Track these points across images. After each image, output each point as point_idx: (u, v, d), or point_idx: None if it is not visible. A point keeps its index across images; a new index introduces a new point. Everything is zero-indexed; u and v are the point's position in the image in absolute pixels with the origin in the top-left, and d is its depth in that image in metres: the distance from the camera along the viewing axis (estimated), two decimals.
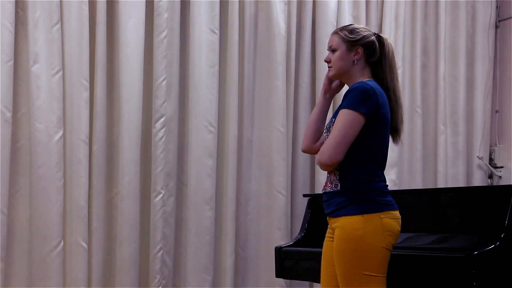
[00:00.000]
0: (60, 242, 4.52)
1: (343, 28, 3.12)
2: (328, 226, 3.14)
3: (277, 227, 4.96)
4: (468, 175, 5.57)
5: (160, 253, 4.74)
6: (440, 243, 3.57)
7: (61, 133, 4.56)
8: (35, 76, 4.52)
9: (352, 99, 2.91)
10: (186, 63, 4.98)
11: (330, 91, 3.28)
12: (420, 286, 3.37)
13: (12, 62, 4.52)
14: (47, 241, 4.48)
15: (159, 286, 4.73)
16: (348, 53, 3.04)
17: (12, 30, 4.53)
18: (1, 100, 4.46)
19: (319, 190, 5.08)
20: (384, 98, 2.98)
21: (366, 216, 2.87)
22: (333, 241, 3.03)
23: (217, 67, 4.98)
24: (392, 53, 3.07)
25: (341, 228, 2.95)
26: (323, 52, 5.15)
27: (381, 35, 3.11)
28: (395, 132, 3.08)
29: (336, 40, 3.09)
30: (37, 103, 4.51)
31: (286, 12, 5.11)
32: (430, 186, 5.41)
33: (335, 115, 3.05)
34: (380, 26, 5.44)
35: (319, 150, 3.04)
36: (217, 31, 4.98)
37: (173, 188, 4.86)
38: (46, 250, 4.47)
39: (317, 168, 5.15)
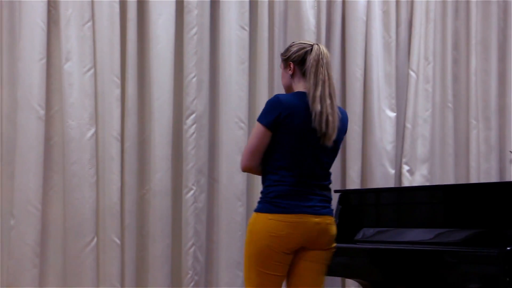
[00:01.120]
0: (93, 238, 4.56)
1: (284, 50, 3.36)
2: None
3: None
4: (501, 170, 5.53)
5: (192, 249, 4.77)
6: (471, 239, 3.55)
7: (93, 130, 4.60)
8: (67, 73, 4.57)
9: (261, 112, 3.16)
10: (216, 59, 5.00)
11: None
12: (453, 282, 3.36)
13: (45, 60, 4.57)
14: (80, 237, 4.52)
15: (191, 282, 4.76)
16: (285, 70, 3.27)
17: (45, 28, 4.58)
18: (34, 98, 4.51)
19: (350, 185, 5.08)
20: (294, 108, 3.10)
21: (258, 214, 3.13)
22: None
23: (247, 63, 4.99)
24: (314, 60, 3.14)
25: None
26: (353, 48, 5.18)
27: (315, 44, 3.22)
28: (320, 134, 3.11)
29: (280, 61, 3.35)
30: (70, 100, 4.55)
31: (315, 8, 5.10)
32: (462, 181, 5.38)
33: None
34: (410, 21, 5.42)
35: None
36: (247, 28, 4.99)
37: (204, 184, 4.88)
38: (80, 246, 4.52)
39: (348, 163, 5.14)
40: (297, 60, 3.19)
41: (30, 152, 4.49)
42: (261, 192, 3.18)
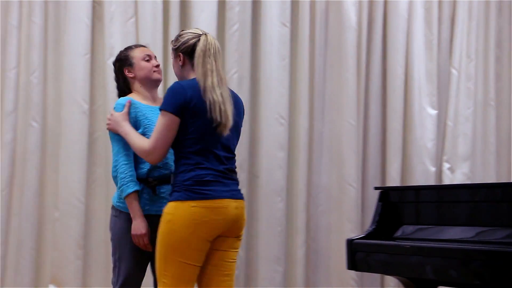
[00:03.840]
0: None
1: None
2: None
3: (348, 219, 4.97)
4: None
5: None
6: None
7: None
8: (110, 69, 4.59)
9: (163, 100, 3.10)
10: (257, 56, 5.03)
11: None
12: (492, 281, 3.34)
13: (89, 55, 4.65)
14: None
15: None
16: (175, 59, 3.24)
17: (89, 24, 4.66)
18: (78, 92, 4.60)
19: (390, 182, 5.08)
20: (197, 92, 3.09)
21: (178, 203, 3.03)
22: None
23: (288, 60, 5.01)
24: (202, 51, 3.13)
25: (163, 212, 3.11)
26: (395, 44, 5.15)
27: (203, 35, 3.18)
28: (216, 123, 3.09)
29: (171, 50, 3.28)
30: (113, 95, 4.60)
31: (357, 4, 5.10)
32: (504, 179, 5.34)
33: None
34: (453, 19, 5.38)
35: None
36: (288, 25, 5.01)
37: (244, 180, 4.91)
38: None
39: (388, 161, 5.14)
40: (187, 51, 3.17)
41: (74, 146, 4.58)
42: (175, 180, 3.10)
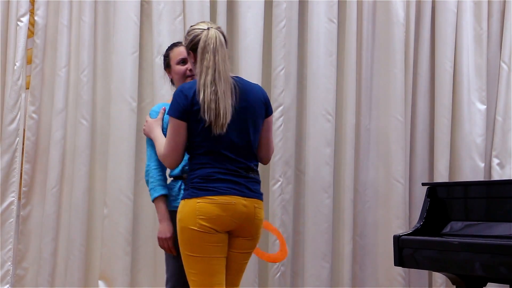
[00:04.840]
0: None
1: None
2: None
3: (395, 215, 4.95)
4: None
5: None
6: None
7: None
8: (158, 66, 4.68)
9: (169, 105, 3.11)
10: (304, 52, 5.03)
11: None
12: None
13: (137, 53, 4.71)
14: None
15: (278, 273, 4.81)
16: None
17: (138, 22, 4.72)
18: (127, 90, 4.66)
19: (438, 178, 5.03)
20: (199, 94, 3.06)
21: (185, 201, 3.06)
22: None
23: (335, 56, 5.00)
24: (201, 48, 3.08)
25: None
26: (443, 39, 5.10)
27: (204, 30, 3.11)
28: (208, 123, 3.05)
29: None
30: (161, 92, 4.67)
31: None
32: None
33: None
34: (503, 12, 5.30)
35: None
36: (335, 20, 5.00)
37: (291, 176, 4.92)
38: None
39: (436, 156, 5.09)
40: (194, 49, 3.13)
41: (122, 143, 4.64)
42: (186, 180, 3.16)
